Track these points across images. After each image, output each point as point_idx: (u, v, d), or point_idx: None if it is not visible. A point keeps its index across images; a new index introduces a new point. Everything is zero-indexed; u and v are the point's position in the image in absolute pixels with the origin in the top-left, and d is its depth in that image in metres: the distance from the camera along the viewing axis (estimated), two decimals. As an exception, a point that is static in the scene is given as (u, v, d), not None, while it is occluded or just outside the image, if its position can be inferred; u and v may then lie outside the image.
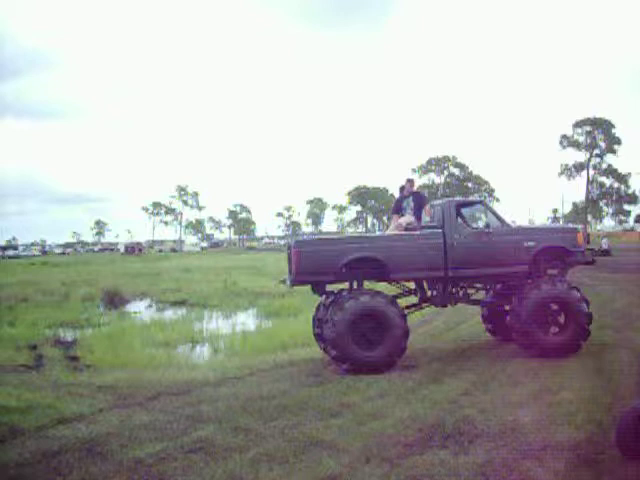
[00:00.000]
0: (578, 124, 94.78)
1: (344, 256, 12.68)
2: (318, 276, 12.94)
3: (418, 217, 13.81)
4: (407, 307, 14.11)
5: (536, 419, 8.60)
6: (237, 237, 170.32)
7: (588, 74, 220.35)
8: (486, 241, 13.06)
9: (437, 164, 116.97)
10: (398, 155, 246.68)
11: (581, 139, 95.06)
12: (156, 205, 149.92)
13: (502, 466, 6.93)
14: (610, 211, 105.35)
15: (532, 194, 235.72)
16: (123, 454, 7.69)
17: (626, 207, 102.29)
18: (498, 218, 13.36)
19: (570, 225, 17.52)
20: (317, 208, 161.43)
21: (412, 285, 14.29)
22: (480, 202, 14.38)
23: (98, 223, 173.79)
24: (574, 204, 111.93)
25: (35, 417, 9.42)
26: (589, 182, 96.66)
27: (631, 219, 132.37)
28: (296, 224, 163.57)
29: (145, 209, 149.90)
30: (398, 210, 14.39)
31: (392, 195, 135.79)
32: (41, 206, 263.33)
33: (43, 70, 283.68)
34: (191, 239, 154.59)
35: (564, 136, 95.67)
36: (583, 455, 7.21)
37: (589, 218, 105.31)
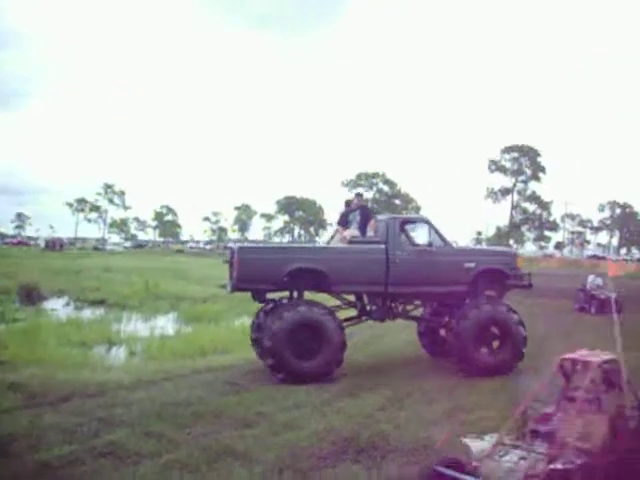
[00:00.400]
0: (506, 150, 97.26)
1: (286, 265, 12.59)
2: (259, 284, 12.82)
3: (363, 231, 13.81)
4: (346, 320, 14.09)
5: (449, 437, 8.72)
6: (162, 239, 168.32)
7: (519, 103, 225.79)
8: (428, 260, 13.11)
9: (366, 179, 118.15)
10: (328, 168, 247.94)
11: (508, 165, 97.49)
12: (80, 201, 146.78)
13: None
14: (532, 236, 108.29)
15: (457, 215, 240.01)
16: (29, 456, 7.50)
17: (547, 233, 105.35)
18: (441, 238, 13.45)
19: (509, 248, 17.97)
20: (245, 215, 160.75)
21: (352, 298, 14.38)
22: (424, 221, 14.21)
23: (19, 216, 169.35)
24: (498, 227, 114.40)
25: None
26: (513, 207, 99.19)
27: (551, 245, 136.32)
28: (223, 230, 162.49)
29: (69, 205, 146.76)
30: (344, 223, 14.39)
31: (320, 207, 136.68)
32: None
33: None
34: (115, 238, 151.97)
35: (492, 161, 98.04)
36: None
37: (511, 242, 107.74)
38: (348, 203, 14.77)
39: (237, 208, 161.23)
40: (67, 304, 30.04)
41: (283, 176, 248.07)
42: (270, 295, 13.40)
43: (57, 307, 28.13)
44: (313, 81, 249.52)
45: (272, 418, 9.48)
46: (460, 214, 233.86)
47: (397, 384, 12.18)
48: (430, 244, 13.27)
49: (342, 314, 14.16)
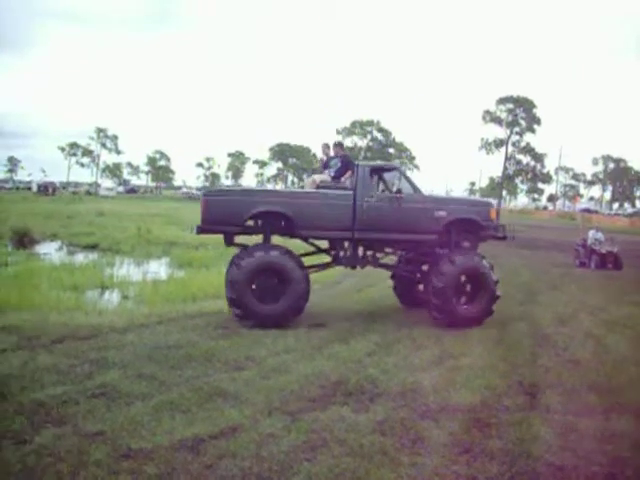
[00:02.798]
0: (501, 101, 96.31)
1: (251, 208, 12.63)
2: (223, 226, 12.95)
3: (338, 177, 13.79)
4: (314, 265, 14.28)
5: (435, 382, 8.91)
6: (154, 185, 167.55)
7: (515, 52, 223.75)
8: (396, 207, 13.02)
9: (360, 127, 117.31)
10: (322, 115, 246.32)
11: (503, 116, 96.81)
12: (73, 146, 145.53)
13: (400, 425, 7.18)
14: (525, 188, 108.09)
15: (451, 165, 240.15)
16: (24, 396, 7.61)
17: (540, 186, 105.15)
18: (412, 185, 13.36)
19: (484, 199, 17.85)
20: (238, 161, 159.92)
21: (324, 244, 14.42)
22: (395, 168, 14.28)
23: (11, 160, 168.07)
24: (491, 179, 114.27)
25: None
26: (507, 158, 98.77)
27: (544, 198, 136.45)
28: (216, 176, 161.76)
29: (62, 149, 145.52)
30: (325, 168, 14.36)
31: (314, 155, 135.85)
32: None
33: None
34: (107, 183, 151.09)
35: (487, 111, 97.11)
36: (477, 418, 7.53)
37: (504, 193, 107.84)
38: (326, 147, 14.67)
39: (230, 154, 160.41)
40: (59, 248, 30.03)
41: (277, 123, 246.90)
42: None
43: (49, 251, 28.13)
44: (309, 26, 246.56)
45: (262, 362, 9.62)
46: (454, 164, 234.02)
47: (386, 331, 12.36)
48: (399, 191, 13.13)
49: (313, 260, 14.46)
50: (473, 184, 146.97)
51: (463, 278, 13.15)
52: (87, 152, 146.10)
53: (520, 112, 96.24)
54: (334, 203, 12.94)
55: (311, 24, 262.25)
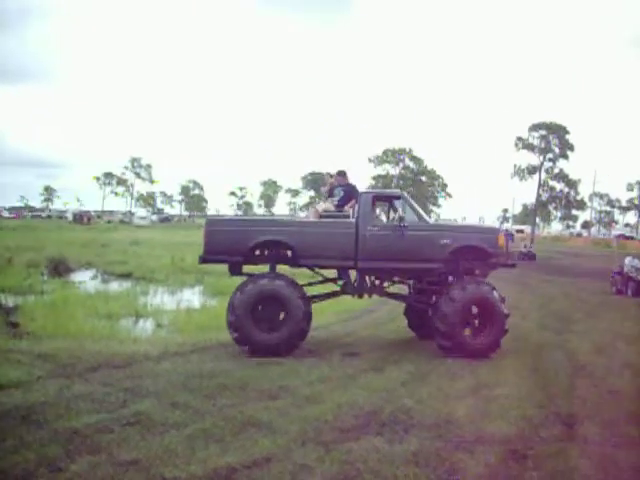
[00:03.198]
0: (534, 127, 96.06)
1: (254, 238, 12.68)
2: (226, 256, 13.02)
3: (341, 206, 13.64)
4: (321, 296, 14.26)
5: (470, 412, 8.80)
6: (188, 213, 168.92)
7: (549, 80, 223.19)
8: (399, 235, 12.74)
9: (393, 155, 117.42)
10: (355, 144, 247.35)
11: (536, 142, 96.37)
12: (108, 175, 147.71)
13: (435, 456, 7.08)
14: (559, 215, 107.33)
15: (484, 193, 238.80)
16: (59, 423, 7.66)
17: (574, 212, 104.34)
18: (416, 213, 13.14)
19: (491, 225, 17.39)
20: (270, 190, 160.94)
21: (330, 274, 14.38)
22: (399, 196, 13.65)
23: (47, 189, 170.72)
24: (524, 205, 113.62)
25: (-28, 382, 9.34)
26: (540, 185, 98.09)
27: (578, 225, 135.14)
28: (249, 205, 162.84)
29: (97, 178, 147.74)
30: (329, 197, 14.30)
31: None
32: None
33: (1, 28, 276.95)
34: (141, 212, 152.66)
35: (519, 138, 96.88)
36: (513, 449, 7.42)
37: (538, 220, 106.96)
38: (331, 175, 14.60)
39: (263, 183, 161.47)
40: (94, 277, 30.35)
41: (309, 152, 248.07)
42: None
43: (84, 280, 28.43)
44: (341, 57, 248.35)
45: (296, 391, 9.58)
46: (487, 192, 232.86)
47: (420, 360, 12.26)
48: (401, 219, 12.85)
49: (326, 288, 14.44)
50: (506, 211, 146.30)
51: (472, 307, 12.85)
52: (121, 181, 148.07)
53: (553, 138, 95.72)
54: (336, 232, 12.86)
55: (342, 52, 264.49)
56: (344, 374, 10.89)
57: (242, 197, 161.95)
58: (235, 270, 13.39)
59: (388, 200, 14.07)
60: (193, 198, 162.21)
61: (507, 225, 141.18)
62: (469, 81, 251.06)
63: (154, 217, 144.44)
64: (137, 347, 12.79)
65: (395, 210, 13.51)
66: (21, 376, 9.86)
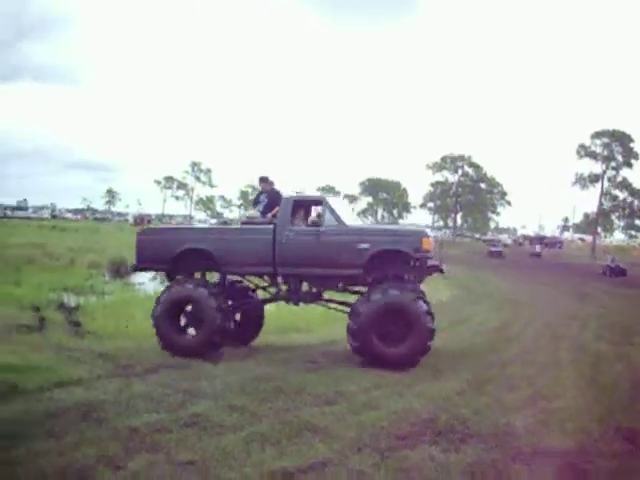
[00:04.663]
0: (597, 135, 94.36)
1: (177, 246, 12.85)
2: (155, 264, 13.56)
3: (265, 213, 13.46)
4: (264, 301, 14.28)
5: (528, 424, 8.65)
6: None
7: (613, 86, 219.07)
8: (314, 240, 12.37)
9: (451, 162, 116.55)
10: (413, 150, 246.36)
11: (598, 150, 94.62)
12: (168, 179, 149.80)
13: (491, 467, 6.99)
14: (621, 225, 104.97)
15: (544, 201, 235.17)
16: (119, 421, 7.80)
17: (638, 222, 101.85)
18: (336, 218, 12.49)
19: (418, 228, 15.92)
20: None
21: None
22: (320, 200, 13.03)
23: (110, 192, 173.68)
24: (585, 214, 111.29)
25: (35, 378, 9.58)
26: (602, 194, 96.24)
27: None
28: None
29: (157, 182, 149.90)
30: (255, 204, 14.19)
31: (404, 189, 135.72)
32: (53, 170, 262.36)
33: (62, 33, 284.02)
34: (200, 216, 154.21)
35: (582, 146, 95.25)
36: (572, 463, 7.28)
37: (599, 230, 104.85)
38: (263, 179, 14.27)
39: (321, 189, 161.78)
40: (153, 278, 30.77)
41: (368, 157, 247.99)
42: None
43: (144, 281, 28.86)
44: (400, 62, 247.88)
45: (352, 397, 9.57)
46: (547, 200, 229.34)
47: (477, 369, 12.15)
48: (315, 223, 12.60)
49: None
50: (566, 220, 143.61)
51: (388, 314, 11.84)
52: (182, 185, 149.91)
53: (616, 146, 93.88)
54: (254, 238, 12.69)
55: (402, 55, 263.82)
56: (400, 381, 10.85)
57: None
58: (170, 277, 13.67)
59: (310, 205, 13.45)
60: (251, 202, 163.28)
61: (567, 234, 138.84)
62: (532, 87, 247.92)
63: (213, 221, 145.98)
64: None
65: (319, 215, 12.88)
66: (82, 374, 10.09)
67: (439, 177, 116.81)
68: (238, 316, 14.13)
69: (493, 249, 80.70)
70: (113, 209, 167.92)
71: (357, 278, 12.68)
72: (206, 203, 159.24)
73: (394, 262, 12.32)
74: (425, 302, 12.03)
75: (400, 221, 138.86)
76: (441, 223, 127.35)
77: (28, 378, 9.52)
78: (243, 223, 13.65)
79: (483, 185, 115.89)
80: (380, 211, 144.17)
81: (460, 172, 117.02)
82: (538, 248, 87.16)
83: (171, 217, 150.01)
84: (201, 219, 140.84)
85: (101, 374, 10.26)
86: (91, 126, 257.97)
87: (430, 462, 7.00)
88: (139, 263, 13.47)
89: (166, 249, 12.93)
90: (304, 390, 9.81)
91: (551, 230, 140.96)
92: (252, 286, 14.37)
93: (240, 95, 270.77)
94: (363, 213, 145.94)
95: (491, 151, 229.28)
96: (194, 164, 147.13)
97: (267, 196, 13.78)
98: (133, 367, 10.94)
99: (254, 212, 13.77)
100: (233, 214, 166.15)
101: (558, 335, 17.55)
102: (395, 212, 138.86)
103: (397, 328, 11.86)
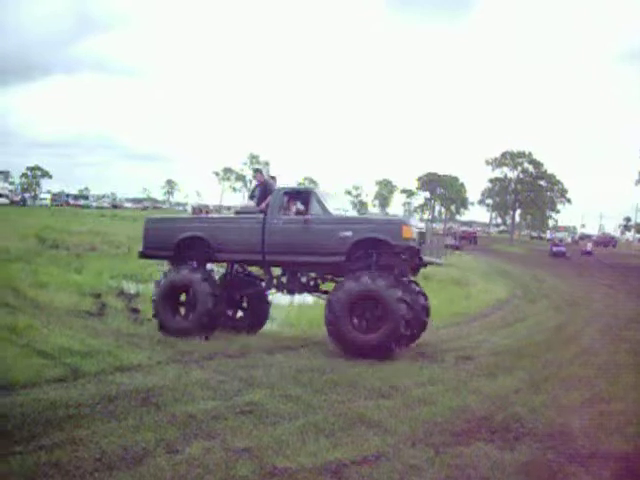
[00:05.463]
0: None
1: (177, 235, 13.83)
2: (159, 251, 14.44)
3: (258, 204, 13.91)
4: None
5: (585, 425, 8.51)
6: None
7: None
8: (300, 228, 12.91)
9: (511, 158, 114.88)
10: (473, 145, 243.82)
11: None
12: (227, 171, 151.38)
13: (546, 467, 6.91)
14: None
15: (605, 200, 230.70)
16: (176, 407, 7.94)
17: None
18: (322, 207, 12.95)
19: (395, 217, 16.65)
20: (386, 190, 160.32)
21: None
22: (309, 191, 13.61)
23: (169, 182, 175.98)
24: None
25: (96, 362, 9.84)
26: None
27: None
28: (363, 204, 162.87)
29: (216, 173, 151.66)
30: (252, 196, 14.75)
31: (462, 185, 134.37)
32: (114, 160, 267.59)
33: (124, 27, 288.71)
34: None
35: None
36: (630, 468, 7.14)
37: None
38: (257, 170, 15.32)
39: (378, 183, 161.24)
40: (210, 270, 31.08)
41: (426, 152, 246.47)
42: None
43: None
44: (461, 56, 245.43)
45: (406, 392, 9.57)
46: (608, 199, 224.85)
47: (534, 368, 12.00)
48: (299, 212, 13.23)
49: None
50: (629, 220, 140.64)
51: (360, 300, 12.09)
52: (240, 177, 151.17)
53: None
54: (246, 227, 13.45)
55: (460, 52, 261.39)
56: (456, 377, 10.80)
57: (357, 196, 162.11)
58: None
59: (299, 196, 13.79)
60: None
61: (629, 234, 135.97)
62: (594, 83, 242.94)
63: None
64: (250, 339, 13.13)
65: (305, 205, 13.40)
66: (142, 360, 10.32)
67: (498, 173, 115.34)
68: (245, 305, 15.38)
69: (556, 249, 74.86)
70: (172, 199, 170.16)
71: (342, 266, 12.86)
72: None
73: (376, 251, 12.56)
74: (402, 290, 12.11)
75: (457, 217, 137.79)
76: (499, 220, 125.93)
77: (89, 362, 9.80)
78: (237, 213, 14.52)
79: (543, 182, 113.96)
80: (437, 207, 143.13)
81: (520, 169, 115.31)
82: (589, 247, 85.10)
83: (229, 208, 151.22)
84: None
85: (160, 360, 10.48)
86: (152, 117, 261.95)
87: (485, 460, 6.94)
88: (145, 250, 14.55)
89: (168, 237, 13.93)
90: (359, 383, 9.85)
91: (612, 230, 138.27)
92: (260, 277, 14.91)
93: (300, 88, 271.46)
94: (420, 208, 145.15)
95: (552, 148, 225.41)
96: (252, 156, 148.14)
97: (260, 188, 14.35)
98: (191, 354, 11.12)
99: (250, 203, 14.62)
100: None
101: (618, 337, 17.22)
102: (453, 208, 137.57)
103: (372, 316, 12.13)
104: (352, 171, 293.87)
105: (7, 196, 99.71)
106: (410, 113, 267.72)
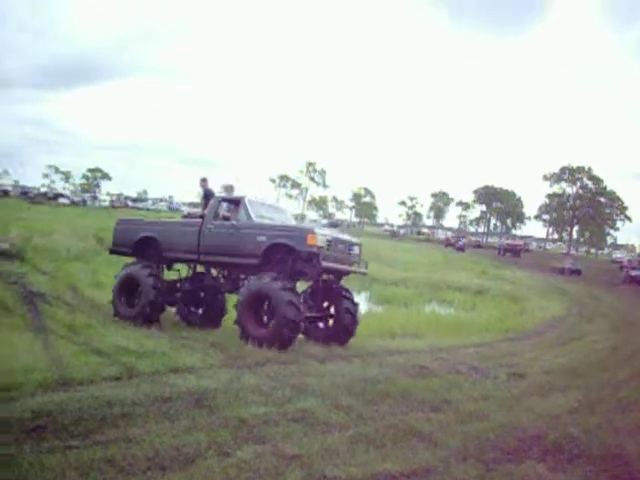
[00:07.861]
0: None
1: (137, 234, 15.75)
2: (123, 249, 16.27)
3: (203, 210, 15.54)
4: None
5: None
6: (357, 220, 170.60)
7: None
8: (227, 232, 14.21)
9: (570, 174, 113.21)
10: (531, 160, 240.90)
11: None
12: (283, 178, 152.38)
13: (599, 490, 6.80)
14: None
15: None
16: (229, 411, 7.99)
17: None
18: (247, 215, 14.21)
19: (303, 225, 18.34)
20: (441, 202, 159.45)
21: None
22: (239, 200, 14.80)
23: (226, 188, 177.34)
24: None
25: (150, 362, 10.00)
26: None
27: None
28: (418, 215, 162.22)
29: (272, 180, 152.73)
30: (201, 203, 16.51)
31: (519, 199, 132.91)
32: (172, 165, 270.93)
33: (179, 32, 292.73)
34: (312, 215, 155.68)
35: None
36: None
37: None
38: (203, 180, 16.55)
39: (434, 195, 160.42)
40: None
41: (483, 166, 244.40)
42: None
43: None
44: (521, 69, 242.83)
45: (458, 406, 9.47)
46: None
47: (589, 388, 11.79)
48: (225, 217, 14.64)
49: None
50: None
51: (256, 299, 13.20)
52: (296, 184, 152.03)
53: None
54: (187, 230, 15.01)
55: (520, 65, 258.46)
56: (509, 394, 10.67)
57: (412, 207, 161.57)
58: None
59: (233, 203, 15.12)
60: (364, 205, 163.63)
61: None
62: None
63: (324, 221, 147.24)
64: (302, 347, 13.16)
65: (231, 211, 15.02)
66: (195, 362, 10.43)
67: (556, 189, 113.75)
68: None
69: (635, 273, 56.31)
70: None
71: (258, 268, 13.72)
72: (319, 203, 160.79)
73: (287, 255, 13.52)
74: (292, 292, 13.05)
75: (513, 231, 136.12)
76: (555, 236, 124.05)
77: (144, 362, 9.97)
78: (183, 217, 16.34)
79: (602, 199, 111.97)
80: (493, 220, 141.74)
81: (579, 184, 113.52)
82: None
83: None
84: (312, 219, 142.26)
85: (213, 364, 10.58)
86: (211, 123, 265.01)
87: (536, 479, 6.86)
88: (113, 247, 16.72)
89: (131, 236, 15.91)
90: (410, 395, 9.78)
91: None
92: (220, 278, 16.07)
93: (356, 97, 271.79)
94: (476, 221, 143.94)
95: (611, 163, 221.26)
96: (309, 164, 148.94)
97: (205, 195, 15.99)
98: (244, 359, 11.20)
99: (199, 210, 16.48)
100: (344, 215, 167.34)
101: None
102: (509, 222, 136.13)
103: (266, 313, 13.32)
104: (409, 182, 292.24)
105: (68, 196, 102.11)
106: (470, 126, 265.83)
